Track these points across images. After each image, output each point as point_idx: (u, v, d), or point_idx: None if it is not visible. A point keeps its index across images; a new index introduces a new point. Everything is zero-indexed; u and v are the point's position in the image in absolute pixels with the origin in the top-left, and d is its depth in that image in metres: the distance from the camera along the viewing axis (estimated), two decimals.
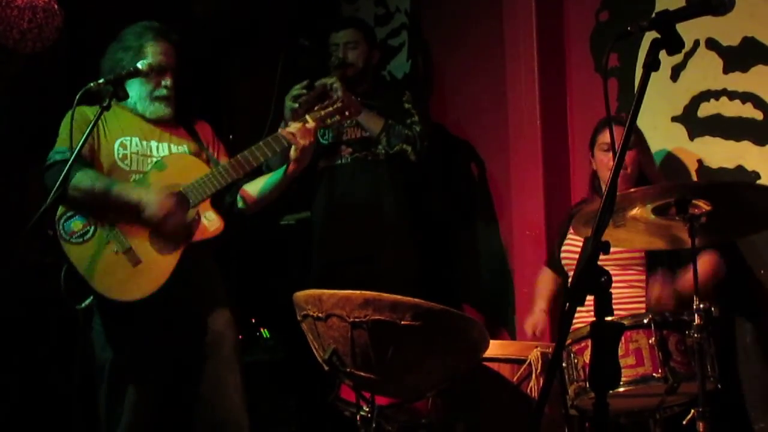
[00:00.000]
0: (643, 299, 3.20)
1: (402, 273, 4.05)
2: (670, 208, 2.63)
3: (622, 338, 2.65)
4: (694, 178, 3.52)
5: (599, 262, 1.80)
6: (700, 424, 2.54)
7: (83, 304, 3.18)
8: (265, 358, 4.37)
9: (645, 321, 2.70)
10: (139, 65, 3.15)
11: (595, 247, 1.81)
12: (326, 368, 2.83)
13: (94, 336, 3.31)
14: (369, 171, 4.10)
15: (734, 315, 3.30)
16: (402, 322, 2.63)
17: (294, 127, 3.36)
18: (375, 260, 4.08)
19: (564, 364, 2.82)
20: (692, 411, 2.60)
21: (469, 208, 4.51)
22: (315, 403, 3.98)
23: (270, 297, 4.47)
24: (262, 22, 4.97)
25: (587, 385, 2.71)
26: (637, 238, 2.87)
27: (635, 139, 3.29)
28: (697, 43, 3.50)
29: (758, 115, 3.34)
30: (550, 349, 2.92)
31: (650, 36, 1.97)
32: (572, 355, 2.79)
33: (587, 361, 2.70)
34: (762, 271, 3.33)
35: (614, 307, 1.81)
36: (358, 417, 2.91)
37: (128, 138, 3.36)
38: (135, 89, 3.37)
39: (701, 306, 2.59)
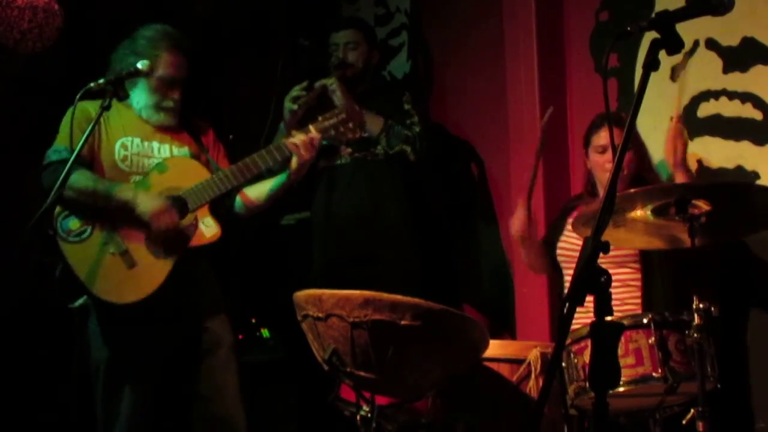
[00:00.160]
0: (639, 299, 3.20)
1: (402, 273, 4.05)
2: (670, 208, 2.63)
3: (622, 338, 2.65)
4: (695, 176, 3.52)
5: None
6: (700, 423, 2.54)
7: (76, 304, 3.19)
8: (265, 358, 4.36)
9: (644, 321, 2.70)
10: (139, 65, 3.15)
11: (595, 246, 1.81)
12: (326, 368, 2.83)
13: (90, 335, 3.32)
14: (369, 171, 4.10)
15: (740, 314, 3.30)
16: (402, 322, 2.64)
17: (298, 138, 3.32)
18: (375, 260, 4.08)
19: (564, 364, 2.82)
20: (692, 411, 2.60)
21: (469, 208, 4.51)
22: (315, 403, 3.97)
23: (270, 297, 4.47)
24: (262, 22, 4.96)
25: (587, 385, 2.71)
26: (636, 238, 2.88)
27: (632, 140, 3.29)
28: (696, 43, 3.50)
29: (758, 115, 3.34)
30: (550, 350, 2.92)
31: (650, 36, 1.97)
32: (572, 354, 2.79)
33: (587, 360, 2.70)
34: (762, 271, 3.33)
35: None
36: (358, 417, 2.92)
37: (130, 138, 3.36)
38: (142, 96, 3.36)
39: (701, 306, 2.59)
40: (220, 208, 3.41)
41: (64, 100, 3.15)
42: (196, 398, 3.35)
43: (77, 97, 3.01)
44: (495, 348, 2.93)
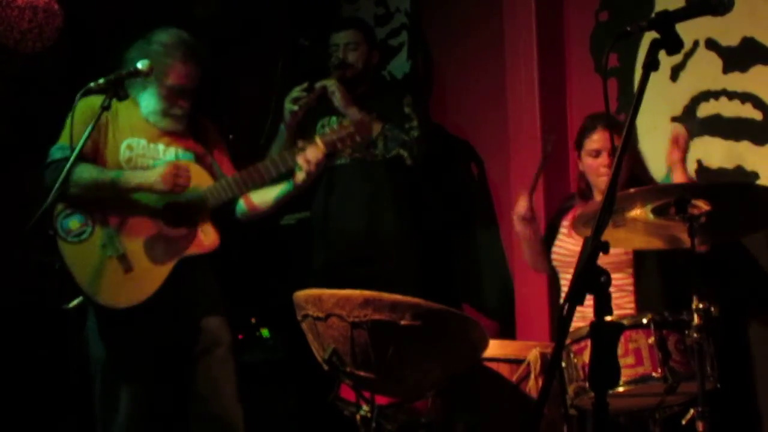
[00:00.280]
0: (633, 303, 3.19)
1: (402, 273, 4.05)
2: (670, 208, 2.63)
3: (622, 338, 2.65)
4: (694, 178, 3.52)
5: None
6: (700, 423, 2.54)
7: (72, 304, 3.19)
8: (265, 358, 4.36)
9: (644, 321, 2.71)
10: (139, 66, 3.14)
11: (595, 246, 1.81)
12: (326, 368, 2.83)
13: (88, 334, 3.32)
14: (368, 172, 4.10)
15: (740, 314, 3.30)
16: (402, 322, 2.64)
17: (310, 153, 3.27)
18: (375, 260, 4.08)
19: (563, 364, 2.82)
20: (691, 411, 2.60)
21: (469, 209, 4.51)
22: (315, 403, 3.97)
23: (270, 297, 4.47)
24: (262, 22, 4.96)
25: (587, 385, 2.71)
26: (636, 238, 2.88)
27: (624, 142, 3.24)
28: (696, 43, 3.50)
29: (757, 116, 3.34)
30: (549, 350, 2.92)
31: (650, 36, 1.97)
32: (572, 354, 2.79)
33: (587, 360, 2.70)
34: (762, 271, 3.33)
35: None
36: (357, 416, 2.92)
37: (136, 140, 3.34)
38: (151, 101, 3.35)
39: (701, 306, 2.59)
40: (222, 211, 3.41)
41: (64, 100, 3.15)
42: (193, 397, 3.35)
43: (77, 96, 3.01)
44: (495, 348, 2.93)
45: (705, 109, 3.51)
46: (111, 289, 3.19)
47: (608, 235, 1.82)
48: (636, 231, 2.79)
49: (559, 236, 3.44)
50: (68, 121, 3.20)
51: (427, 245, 4.33)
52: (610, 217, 1.89)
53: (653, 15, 1.99)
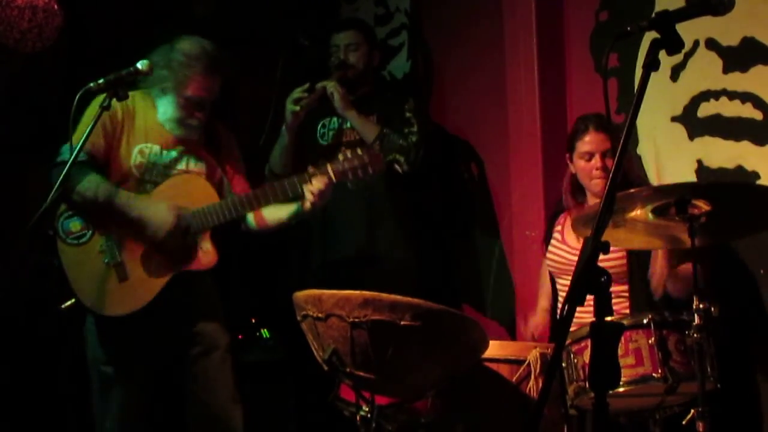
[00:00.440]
0: (627, 311, 3.18)
1: (401, 273, 4.05)
2: (670, 209, 2.63)
3: (622, 338, 2.65)
4: (694, 178, 3.52)
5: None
6: (700, 424, 2.54)
7: (65, 305, 3.18)
8: (265, 358, 4.36)
9: (644, 321, 2.70)
10: (138, 66, 3.12)
11: (595, 246, 1.81)
12: (326, 368, 2.83)
13: (87, 335, 3.32)
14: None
15: (740, 314, 3.30)
16: (401, 322, 2.64)
17: (317, 185, 3.22)
18: (374, 260, 4.08)
19: (563, 364, 2.82)
20: (692, 411, 2.60)
21: (469, 209, 4.51)
22: (315, 403, 3.97)
23: (270, 297, 4.47)
24: (262, 22, 4.96)
25: (587, 385, 2.71)
26: (636, 239, 2.87)
27: (617, 145, 3.20)
28: (696, 43, 3.50)
29: (758, 115, 3.34)
30: (549, 350, 2.92)
31: (650, 36, 1.97)
32: (572, 354, 2.79)
33: (587, 361, 2.70)
34: (762, 271, 3.33)
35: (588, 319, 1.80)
36: (357, 417, 2.91)
37: (149, 145, 3.32)
38: (168, 108, 3.33)
39: (701, 306, 2.59)
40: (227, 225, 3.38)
41: (63, 100, 3.15)
42: (190, 399, 3.35)
43: (77, 97, 3.01)
44: (495, 348, 2.92)
45: (705, 109, 3.51)
46: (103, 296, 3.18)
47: (608, 235, 1.82)
48: (636, 231, 2.78)
49: (552, 241, 3.42)
50: (84, 121, 3.17)
51: (426, 245, 4.33)
52: (610, 217, 1.88)
53: (653, 15, 1.98)
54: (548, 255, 3.42)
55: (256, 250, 4.57)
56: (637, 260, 3.20)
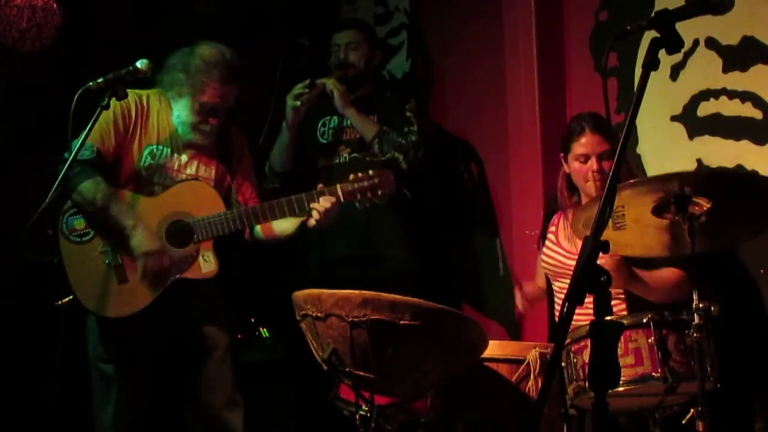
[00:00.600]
0: (624, 313, 3.13)
1: (401, 272, 4.05)
2: (670, 207, 2.62)
3: (622, 338, 2.64)
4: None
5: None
6: (700, 423, 2.54)
7: (62, 301, 3.18)
8: (265, 358, 4.36)
9: (644, 320, 2.70)
10: (138, 65, 3.12)
11: (595, 246, 1.81)
12: (325, 368, 2.83)
13: (88, 333, 3.32)
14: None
15: (734, 314, 3.30)
16: (401, 322, 2.64)
17: (324, 205, 3.22)
18: (374, 260, 4.08)
19: (563, 364, 2.81)
20: (692, 410, 2.59)
21: (469, 208, 4.51)
22: (314, 403, 3.97)
23: (269, 296, 4.46)
24: (262, 22, 4.96)
25: (587, 385, 2.71)
26: (637, 242, 2.86)
27: (613, 147, 3.15)
28: (696, 43, 3.50)
29: (757, 115, 3.34)
30: (549, 350, 2.92)
31: (650, 35, 1.96)
32: (571, 354, 2.79)
33: (586, 360, 2.70)
34: (762, 271, 3.33)
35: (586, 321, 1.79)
36: (357, 416, 2.92)
37: (160, 147, 3.32)
38: (183, 112, 3.33)
39: (700, 305, 2.59)
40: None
41: (63, 99, 3.14)
42: (189, 400, 3.35)
43: (76, 97, 3.00)
44: (494, 348, 2.92)
45: (705, 108, 3.51)
46: (102, 297, 3.18)
47: (608, 238, 1.82)
48: (636, 235, 2.78)
49: (547, 242, 3.40)
50: (100, 121, 3.15)
51: (426, 245, 4.33)
52: (610, 216, 1.88)
53: (653, 14, 1.98)
54: (542, 257, 3.40)
55: (256, 249, 4.58)
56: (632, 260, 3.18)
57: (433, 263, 4.40)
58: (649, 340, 2.67)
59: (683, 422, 2.67)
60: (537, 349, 2.93)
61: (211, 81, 3.28)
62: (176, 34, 3.44)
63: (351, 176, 3.27)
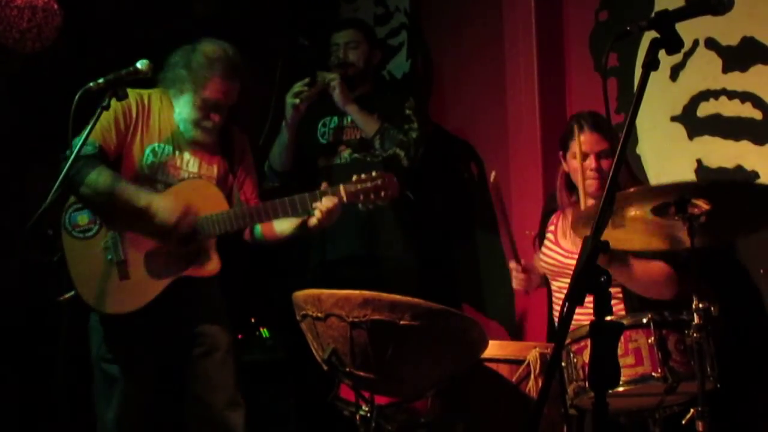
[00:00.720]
0: (623, 312, 3.14)
1: (401, 273, 4.06)
2: (669, 208, 2.63)
3: (622, 338, 2.64)
4: (694, 178, 3.52)
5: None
6: (700, 423, 2.54)
7: (64, 296, 3.18)
8: (265, 358, 4.36)
9: (644, 321, 2.70)
10: (139, 65, 3.12)
11: (595, 246, 1.81)
12: (325, 368, 2.83)
13: (91, 333, 3.32)
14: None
15: (740, 314, 3.30)
16: (401, 322, 2.64)
17: (327, 204, 3.21)
18: (374, 260, 4.08)
19: (563, 364, 2.81)
20: (691, 410, 2.60)
21: (469, 209, 4.51)
22: (314, 403, 3.97)
23: (269, 296, 4.47)
24: (262, 21, 4.97)
25: (587, 385, 2.71)
26: (636, 239, 2.87)
27: (612, 146, 3.16)
28: (696, 43, 3.50)
29: (757, 115, 3.34)
30: (549, 350, 2.92)
31: (650, 35, 1.96)
32: (571, 354, 2.79)
33: (587, 360, 2.70)
34: (762, 270, 3.33)
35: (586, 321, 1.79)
36: (357, 416, 2.92)
37: (162, 145, 3.33)
38: (185, 109, 3.34)
39: (700, 305, 2.59)
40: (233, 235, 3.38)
41: (63, 99, 3.15)
42: (190, 400, 3.35)
43: (76, 97, 3.01)
44: (494, 348, 2.93)
45: (705, 109, 3.51)
46: (103, 293, 3.18)
47: (607, 235, 1.82)
48: (636, 231, 2.78)
49: (545, 242, 3.40)
50: (103, 118, 3.16)
51: (426, 245, 4.33)
52: (610, 217, 1.88)
53: (653, 14, 1.98)
54: (541, 256, 3.40)
55: (256, 249, 4.58)
56: None
57: (434, 263, 4.40)
58: (649, 340, 2.67)
59: (683, 422, 2.67)
60: (537, 349, 2.94)
61: (213, 76, 3.29)
62: (176, 34, 3.44)
63: (354, 177, 3.26)
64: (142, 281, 3.21)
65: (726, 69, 3.43)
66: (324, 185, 3.27)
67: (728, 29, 3.39)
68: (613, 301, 3.13)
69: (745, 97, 3.37)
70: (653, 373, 2.66)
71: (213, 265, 3.29)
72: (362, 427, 2.89)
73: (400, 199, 3.76)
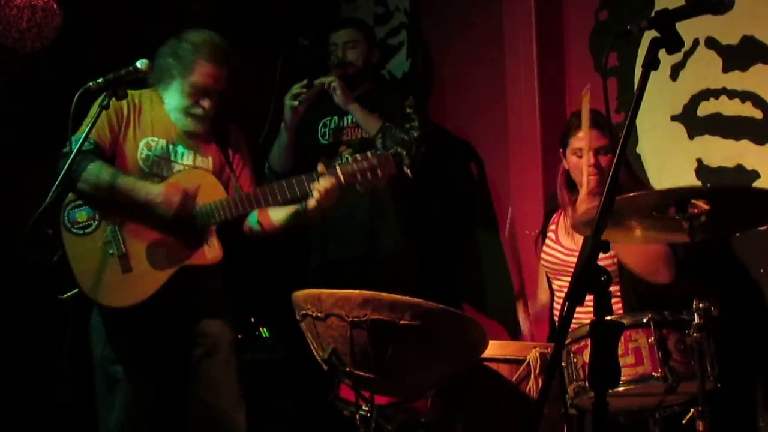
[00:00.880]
0: (619, 311, 3.15)
1: (401, 273, 4.05)
2: (670, 208, 2.62)
3: (622, 337, 2.64)
4: (694, 177, 3.52)
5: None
6: (700, 423, 2.54)
7: (67, 295, 3.18)
8: (265, 358, 4.36)
9: (644, 320, 2.70)
10: (138, 65, 3.13)
11: (595, 246, 1.81)
12: (325, 368, 2.83)
13: (92, 333, 3.32)
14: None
15: (740, 314, 3.30)
16: (401, 322, 2.63)
17: (324, 184, 3.19)
18: (374, 260, 4.07)
19: (563, 364, 2.81)
20: (692, 410, 2.59)
21: (469, 208, 4.51)
22: (314, 403, 3.97)
23: (269, 296, 4.46)
24: (261, 21, 4.96)
25: (587, 385, 2.70)
26: (634, 236, 2.86)
27: (612, 144, 3.17)
28: (696, 42, 3.50)
29: (758, 114, 3.34)
30: (549, 350, 2.92)
31: (650, 35, 1.96)
32: (571, 354, 2.79)
33: (587, 360, 2.70)
34: (762, 270, 3.32)
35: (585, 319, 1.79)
36: (357, 416, 2.91)
37: (155, 139, 3.34)
38: (174, 97, 3.35)
39: (701, 305, 2.59)
40: (232, 223, 3.37)
41: (63, 99, 3.15)
42: (192, 400, 3.35)
43: (76, 96, 3.01)
44: (495, 348, 2.92)
45: (705, 108, 3.51)
46: (107, 287, 3.19)
47: (606, 233, 1.82)
48: (634, 228, 2.78)
49: (547, 241, 3.40)
50: (91, 113, 3.18)
51: (427, 245, 4.33)
52: (610, 216, 1.88)
53: (653, 14, 1.98)
54: (542, 255, 3.40)
55: (257, 249, 4.58)
56: None
57: (434, 263, 4.40)
58: (650, 340, 2.67)
59: (683, 422, 2.67)
60: (537, 349, 2.93)
61: (200, 59, 3.31)
62: (176, 34, 3.44)
63: (350, 158, 3.24)
64: (145, 273, 3.21)
65: (726, 68, 3.43)
66: (321, 166, 3.25)
67: (728, 28, 3.39)
68: (613, 299, 3.14)
69: (745, 96, 3.37)
70: (653, 373, 2.66)
71: (215, 253, 3.29)
72: (362, 427, 2.89)
73: (399, 178, 3.77)
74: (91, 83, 3.02)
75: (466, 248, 4.49)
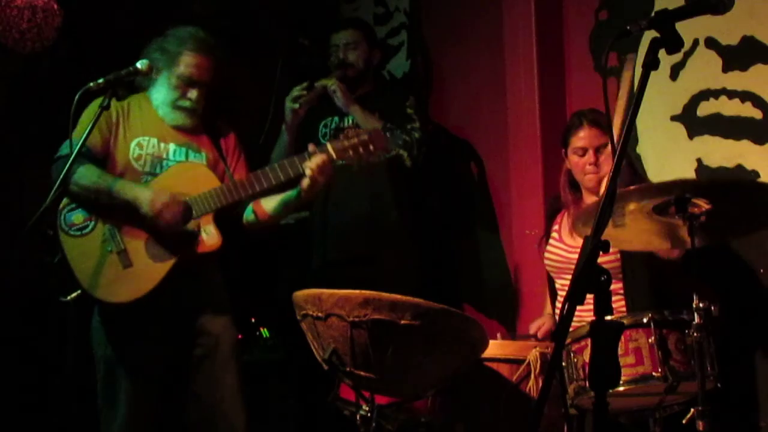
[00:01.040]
0: (622, 309, 3.16)
1: (402, 272, 4.05)
2: (670, 207, 2.63)
3: (622, 337, 2.64)
4: (694, 177, 3.52)
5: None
6: (700, 423, 2.54)
7: (70, 296, 3.18)
8: (265, 358, 4.36)
9: (644, 320, 2.70)
10: (138, 65, 3.14)
11: (595, 246, 1.81)
12: (326, 368, 2.83)
13: (93, 331, 3.32)
14: (368, 171, 4.10)
15: (740, 314, 3.30)
16: (401, 322, 2.63)
17: (316, 161, 3.18)
18: (375, 260, 4.07)
19: (563, 364, 2.81)
20: (692, 410, 2.59)
21: (469, 208, 4.51)
22: (314, 403, 3.97)
23: (270, 296, 4.46)
24: (262, 22, 4.97)
25: (587, 384, 2.71)
26: (636, 238, 2.87)
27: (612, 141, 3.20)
28: (696, 42, 3.50)
29: (757, 114, 3.34)
30: (549, 350, 2.92)
31: (650, 35, 1.96)
32: (572, 354, 2.79)
33: (587, 360, 2.70)
34: (762, 270, 3.33)
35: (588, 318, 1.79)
36: (357, 416, 2.91)
37: (146, 138, 3.35)
38: (161, 92, 3.38)
39: (701, 305, 2.59)
40: (230, 215, 3.38)
41: (63, 100, 3.15)
42: (193, 399, 3.35)
43: (76, 97, 3.01)
44: (495, 348, 2.92)
45: (705, 108, 3.51)
46: (109, 284, 3.19)
47: (608, 235, 1.82)
48: (636, 231, 2.78)
49: (551, 240, 3.41)
50: (83, 117, 3.20)
51: (427, 245, 4.33)
52: (610, 216, 1.88)
53: (653, 14, 1.98)
54: (546, 254, 3.41)
55: (257, 249, 4.59)
56: (630, 256, 3.19)
57: (434, 263, 4.40)
58: (650, 340, 2.67)
59: (683, 422, 2.67)
60: (537, 349, 2.94)
61: (185, 51, 3.34)
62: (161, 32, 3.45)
63: (341, 136, 3.24)
64: (145, 266, 3.22)
65: (726, 68, 3.43)
66: (311, 146, 3.25)
67: (728, 28, 3.39)
68: (615, 297, 3.14)
69: (745, 96, 3.37)
70: (653, 373, 2.66)
71: (214, 240, 3.29)
72: (362, 427, 2.89)
73: (397, 166, 3.74)
74: (91, 83, 3.03)
75: (466, 248, 4.49)
